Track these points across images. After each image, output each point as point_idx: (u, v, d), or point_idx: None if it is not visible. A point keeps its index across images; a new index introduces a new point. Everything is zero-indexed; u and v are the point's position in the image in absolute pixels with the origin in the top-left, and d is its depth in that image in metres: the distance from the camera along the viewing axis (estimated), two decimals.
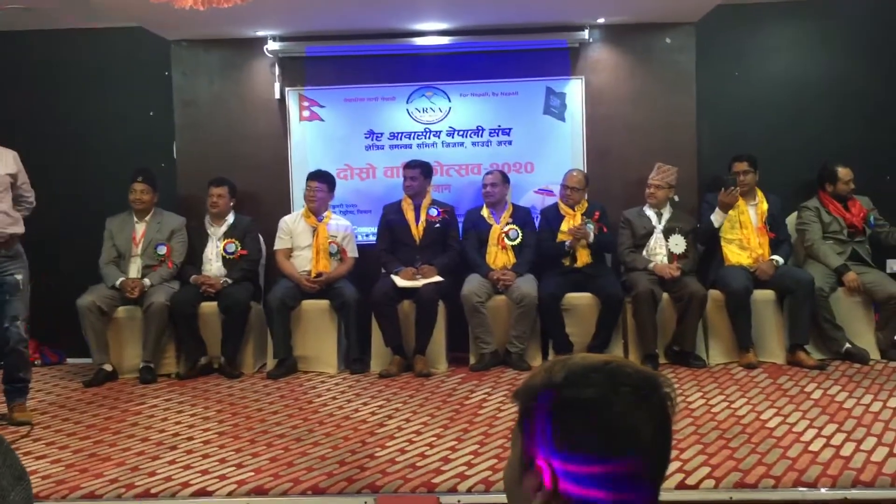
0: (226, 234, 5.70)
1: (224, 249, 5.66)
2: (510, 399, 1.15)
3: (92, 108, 6.20)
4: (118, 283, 5.47)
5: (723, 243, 5.52)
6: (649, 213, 5.64)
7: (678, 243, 5.52)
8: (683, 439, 3.82)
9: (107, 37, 6.10)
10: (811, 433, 3.89)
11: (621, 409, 1.04)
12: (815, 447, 3.69)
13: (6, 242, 4.38)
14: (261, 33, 5.88)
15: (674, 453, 3.55)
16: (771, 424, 4.03)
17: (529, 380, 1.12)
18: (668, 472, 1.10)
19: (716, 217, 5.49)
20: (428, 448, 3.84)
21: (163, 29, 5.78)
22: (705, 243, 5.65)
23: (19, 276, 4.44)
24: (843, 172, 5.63)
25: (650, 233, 5.58)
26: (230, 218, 5.76)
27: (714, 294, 5.40)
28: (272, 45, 5.92)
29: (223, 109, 6.10)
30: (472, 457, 3.70)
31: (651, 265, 5.45)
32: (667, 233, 5.55)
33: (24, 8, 5.40)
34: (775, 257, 5.46)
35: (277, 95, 6.03)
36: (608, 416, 1.04)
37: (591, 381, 1.06)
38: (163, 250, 5.63)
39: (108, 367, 5.37)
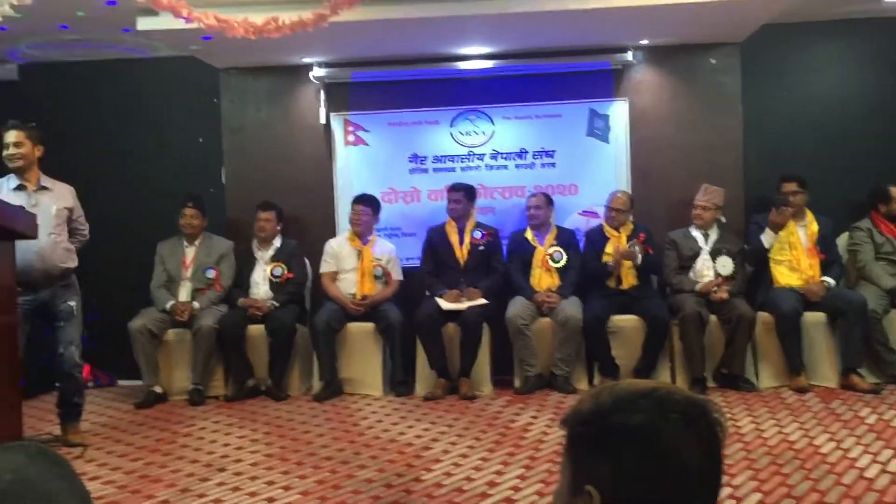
0: (273, 258, 5.78)
1: (271, 273, 5.73)
2: (557, 425, 1.14)
3: (144, 135, 6.35)
4: (168, 306, 5.58)
5: (772, 265, 5.45)
6: (695, 234, 5.59)
7: (725, 265, 5.45)
8: (734, 464, 3.76)
9: (158, 66, 6.25)
10: (866, 459, 3.80)
11: (671, 436, 1.04)
12: (870, 473, 3.60)
13: (61, 274, 4.49)
14: (307, 60, 5.98)
15: (725, 479, 3.49)
16: (824, 450, 3.95)
17: (577, 406, 1.12)
18: (720, 497, 1.09)
19: (766, 237, 5.42)
20: (474, 472, 3.83)
21: (212, 58, 5.92)
22: (754, 264, 5.57)
23: (73, 304, 4.55)
24: (895, 192, 5.52)
25: (696, 254, 5.53)
26: (277, 242, 5.84)
27: (763, 316, 5.32)
28: (318, 72, 6.01)
29: (270, 135, 6.21)
30: (518, 481, 3.68)
31: (698, 287, 5.39)
32: (714, 254, 5.49)
33: (78, 39, 5.56)
34: (826, 279, 5.37)
35: (323, 120, 6.12)
36: (658, 443, 1.04)
37: (640, 407, 1.06)
38: (212, 274, 5.72)
39: (158, 389, 5.47)
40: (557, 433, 4.40)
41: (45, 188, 4.53)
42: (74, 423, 4.60)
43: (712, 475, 1.07)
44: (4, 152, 4.43)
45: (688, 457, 1.03)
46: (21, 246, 4.25)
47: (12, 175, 4.46)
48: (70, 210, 4.64)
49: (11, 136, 4.42)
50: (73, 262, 4.61)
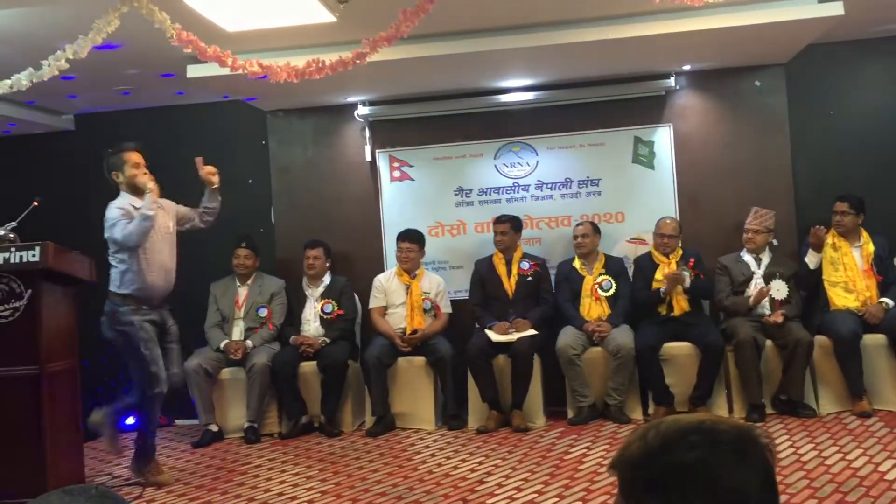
0: (323, 295, 5.84)
1: (322, 310, 5.79)
2: (607, 470, 1.12)
3: (195, 178, 6.48)
4: (222, 345, 5.67)
5: (826, 286, 5.33)
6: (747, 258, 5.51)
7: (780, 289, 5.36)
8: (797, 493, 3.66)
9: (207, 111, 6.42)
10: None
11: (725, 470, 1.03)
12: None
13: (168, 295, 4.63)
14: (351, 99, 6.09)
15: None
16: (890, 477, 3.83)
17: (624, 450, 1.11)
18: None
19: (809, 258, 5.33)
20: None
21: (259, 101, 6.06)
22: (805, 287, 5.47)
23: (176, 326, 4.72)
24: None
25: (749, 279, 5.45)
26: (326, 279, 5.90)
27: (821, 340, 5.20)
28: (362, 110, 6.12)
29: (317, 174, 6.32)
30: None
31: (751, 300, 5.30)
32: (767, 278, 5.40)
33: (132, 88, 5.76)
34: (885, 300, 5.23)
35: (368, 158, 6.21)
36: (712, 478, 1.02)
37: (690, 443, 1.05)
38: (264, 312, 5.81)
39: (213, 428, 5.54)
40: None
41: (161, 207, 4.62)
42: (151, 463, 4.63)
43: (770, 503, 1.06)
44: (141, 171, 4.51)
45: (745, 488, 1.02)
46: (153, 264, 4.38)
47: (128, 195, 4.50)
48: (181, 218, 4.83)
49: (140, 156, 4.55)
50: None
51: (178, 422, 6.21)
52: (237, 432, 5.58)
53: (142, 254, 4.41)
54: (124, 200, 4.47)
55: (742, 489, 1.02)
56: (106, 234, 4.44)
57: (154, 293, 4.48)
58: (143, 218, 4.34)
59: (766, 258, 5.49)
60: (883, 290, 5.30)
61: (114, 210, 4.43)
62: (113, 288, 4.44)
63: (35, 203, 4.72)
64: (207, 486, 4.52)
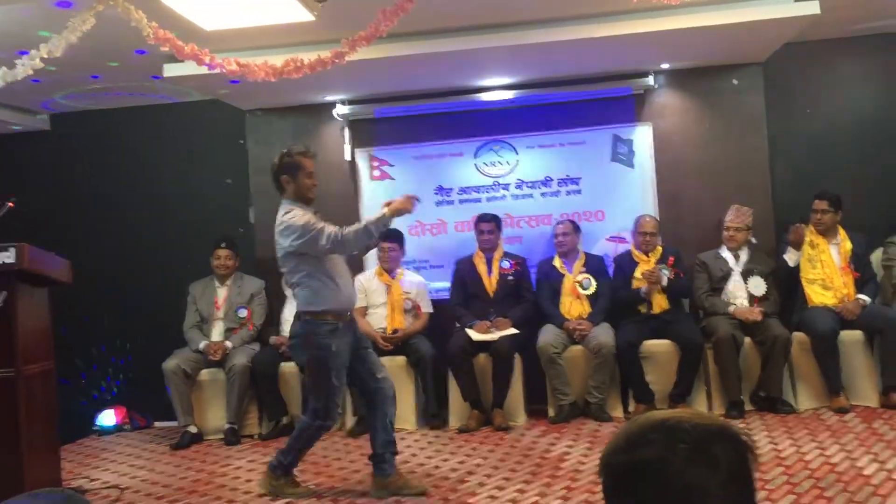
0: None
1: None
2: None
3: (173, 178, 6.45)
4: (202, 346, 5.63)
5: (804, 284, 5.37)
6: (726, 255, 5.54)
7: (758, 285, 5.40)
8: (776, 489, 3.69)
9: (185, 110, 6.37)
10: None
11: (679, 468, 1.01)
12: None
13: None
14: (330, 98, 6.06)
15: None
16: (868, 472, 3.86)
17: (604, 450, 1.12)
18: None
19: (789, 256, 5.37)
20: None
21: (238, 100, 6.02)
22: (784, 285, 5.51)
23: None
24: None
25: (728, 275, 5.48)
26: None
27: (799, 336, 5.24)
28: (341, 109, 6.09)
29: None
30: None
31: (731, 308, 5.33)
32: (745, 275, 5.44)
33: (110, 87, 5.70)
34: (861, 296, 5.28)
35: (348, 157, 6.19)
36: (666, 477, 1.02)
37: (648, 441, 1.05)
38: (244, 313, 5.78)
39: (193, 429, 5.50)
40: (594, 462, 4.36)
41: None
42: (391, 470, 4.14)
43: (738, 501, 1.04)
44: (313, 182, 4.20)
45: (702, 487, 1.01)
46: (342, 274, 4.09)
47: (293, 202, 4.14)
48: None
49: (313, 164, 4.21)
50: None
51: (156, 424, 6.17)
52: (217, 434, 5.54)
53: (328, 264, 4.04)
54: (297, 208, 4.08)
55: (697, 489, 1.01)
56: (288, 248, 4.02)
57: (349, 304, 4.15)
58: (370, 234, 3.96)
59: (744, 255, 5.53)
60: (860, 286, 5.35)
61: (298, 218, 3.99)
62: (307, 307, 4.04)
63: (10, 204, 4.65)
64: (187, 488, 4.48)
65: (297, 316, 4.21)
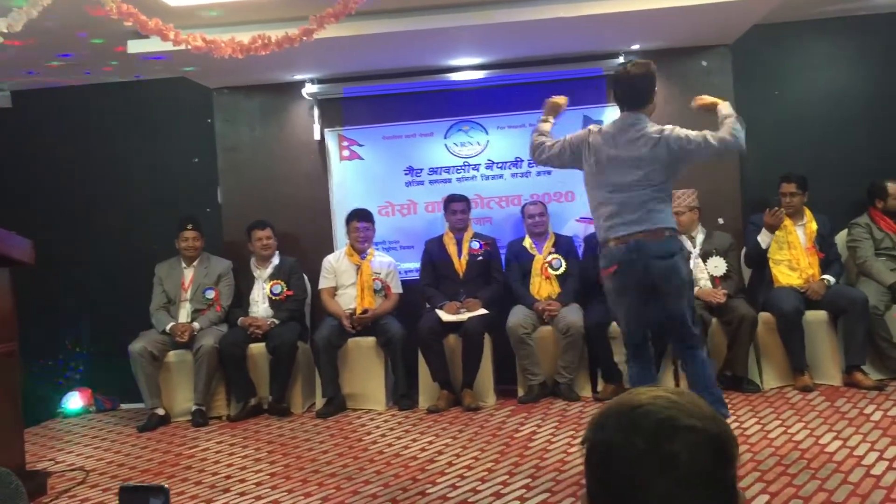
0: (271, 276, 5.77)
1: (270, 291, 5.72)
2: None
3: (138, 157, 6.36)
4: (168, 328, 5.57)
5: (771, 265, 5.43)
6: (682, 238, 5.56)
7: (717, 265, 5.44)
8: (741, 467, 3.71)
9: (151, 88, 6.26)
10: (873, 456, 3.77)
11: (627, 459, 0.99)
12: (877, 471, 3.58)
13: None
14: (298, 77, 5.99)
15: None
16: (830, 449, 3.93)
17: None
18: None
19: (762, 238, 5.40)
20: (479, 483, 3.81)
21: (204, 78, 5.93)
22: (753, 265, 5.56)
23: None
24: (892, 188, 5.52)
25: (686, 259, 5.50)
26: (275, 259, 5.83)
27: (765, 317, 5.30)
28: (310, 88, 6.02)
29: (265, 153, 6.22)
30: (524, 491, 3.66)
31: (695, 290, 5.37)
32: (704, 256, 5.48)
33: (73, 64, 5.58)
34: (826, 277, 5.35)
35: (317, 137, 6.13)
36: (613, 465, 1.00)
37: (606, 425, 1.03)
38: (211, 294, 5.72)
39: (160, 412, 5.45)
40: (562, 441, 4.39)
41: None
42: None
43: (682, 499, 0.97)
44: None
45: (646, 483, 0.97)
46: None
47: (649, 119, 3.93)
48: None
49: None
50: None
51: (122, 406, 6.11)
52: (184, 416, 5.49)
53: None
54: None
55: (640, 485, 0.97)
56: (682, 158, 3.81)
57: None
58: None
59: (699, 237, 5.55)
60: (824, 267, 5.42)
61: (680, 129, 3.85)
62: (671, 224, 3.78)
63: None
64: (154, 470, 4.44)
65: (655, 233, 3.72)
